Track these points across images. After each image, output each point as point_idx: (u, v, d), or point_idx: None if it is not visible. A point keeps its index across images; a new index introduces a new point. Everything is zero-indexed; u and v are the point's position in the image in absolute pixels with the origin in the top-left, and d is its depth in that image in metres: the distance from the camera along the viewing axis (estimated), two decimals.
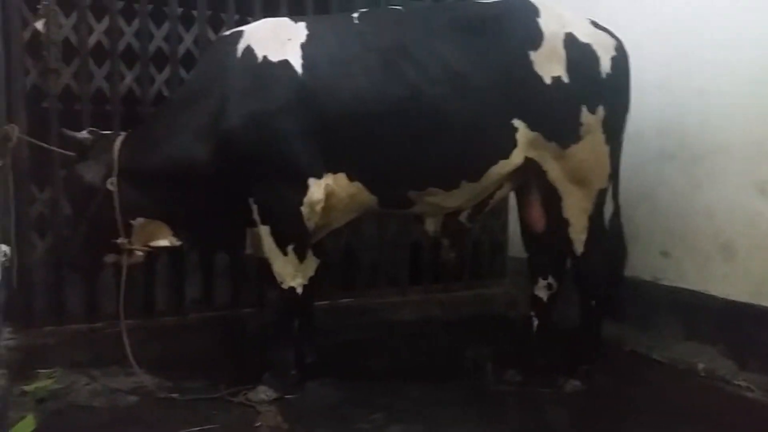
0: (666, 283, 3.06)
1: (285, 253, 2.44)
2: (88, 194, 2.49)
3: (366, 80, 2.30)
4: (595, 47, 2.41)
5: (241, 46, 2.39)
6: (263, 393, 2.50)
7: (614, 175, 2.67)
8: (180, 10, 3.11)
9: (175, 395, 2.54)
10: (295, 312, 2.59)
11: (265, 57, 2.33)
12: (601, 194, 2.54)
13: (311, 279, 2.65)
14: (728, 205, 2.74)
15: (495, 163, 2.40)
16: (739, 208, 2.69)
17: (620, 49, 2.50)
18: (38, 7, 2.80)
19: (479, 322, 3.63)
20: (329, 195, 2.41)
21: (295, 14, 2.95)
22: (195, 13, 3.15)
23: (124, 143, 2.51)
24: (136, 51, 3.05)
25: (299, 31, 2.38)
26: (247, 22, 2.76)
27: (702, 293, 2.86)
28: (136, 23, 3.03)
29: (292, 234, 2.43)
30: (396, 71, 2.29)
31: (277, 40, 2.37)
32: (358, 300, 3.61)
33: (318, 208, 2.39)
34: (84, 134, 2.52)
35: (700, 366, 2.83)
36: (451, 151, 2.35)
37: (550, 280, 2.72)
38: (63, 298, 2.98)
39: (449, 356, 3.14)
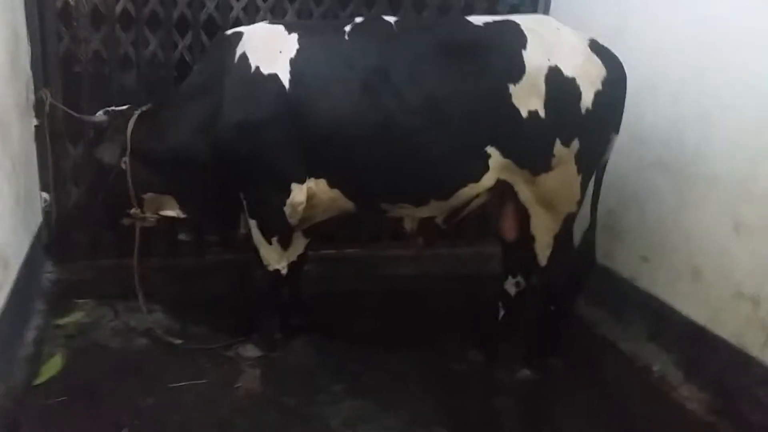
0: (640, 285, 3.19)
1: (270, 243, 2.74)
2: (106, 169, 2.81)
3: (345, 102, 2.41)
4: (580, 81, 2.40)
5: (239, 51, 2.53)
6: (251, 351, 2.92)
7: (595, 190, 2.76)
8: None
9: (178, 342, 2.98)
10: (280, 287, 2.93)
11: (257, 68, 2.48)
12: (569, 217, 2.64)
13: (301, 256, 2.99)
14: (704, 233, 2.79)
15: (464, 186, 2.54)
16: (712, 239, 2.75)
17: (610, 80, 2.45)
18: None
19: (473, 280, 3.82)
20: (311, 196, 2.63)
21: None
22: None
23: (135, 125, 2.75)
24: (161, 17, 3.22)
25: (291, 43, 2.48)
26: None
27: (668, 305, 3.00)
28: None
29: (276, 228, 2.70)
30: (373, 97, 2.39)
31: (271, 50, 2.49)
32: (362, 251, 3.91)
33: (299, 208, 2.63)
34: (100, 115, 2.78)
35: (655, 368, 3.02)
36: (420, 174, 2.49)
37: (519, 278, 2.92)
38: (96, 237, 3.41)
39: (430, 316, 3.47)
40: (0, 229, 2.40)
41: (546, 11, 3.81)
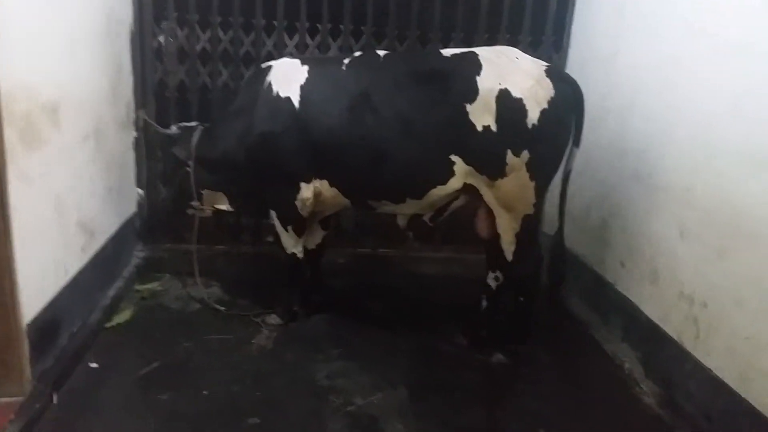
0: (619, 289, 3.50)
1: (287, 231, 3.43)
2: (176, 170, 3.66)
3: (337, 119, 3.05)
4: (526, 101, 2.84)
5: (267, 80, 3.25)
6: (273, 319, 3.60)
7: (561, 197, 3.18)
8: (263, 21, 4.05)
9: (222, 309, 3.72)
10: (298, 268, 3.59)
11: (277, 92, 3.18)
12: (528, 218, 3.06)
13: (319, 245, 3.67)
14: (660, 238, 3.09)
15: (434, 187, 3.06)
16: (666, 243, 3.04)
17: (557, 101, 2.87)
18: (161, 25, 3.96)
19: None
20: (318, 193, 3.28)
21: None
22: (275, 23, 4.07)
23: (199, 137, 3.58)
24: (231, 54, 4.09)
25: (302, 73, 3.17)
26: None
27: (636, 306, 3.30)
28: (230, 33, 4.06)
29: (290, 219, 3.38)
30: (357, 114, 3.01)
31: (288, 79, 3.19)
32: (396, 251, 4.50)
33: (307, 203, 3.29)
34: (173, 128, 3.64)
35: (626, 365, 3.32)
36: (395, 176, 3.05)
37: (497, 273, 3.35)
38: (177, 226, 4.29)
39: (438, 307, 3.93)
40: (90, 208, 3.29)
41: (568, 43, 4.24)
